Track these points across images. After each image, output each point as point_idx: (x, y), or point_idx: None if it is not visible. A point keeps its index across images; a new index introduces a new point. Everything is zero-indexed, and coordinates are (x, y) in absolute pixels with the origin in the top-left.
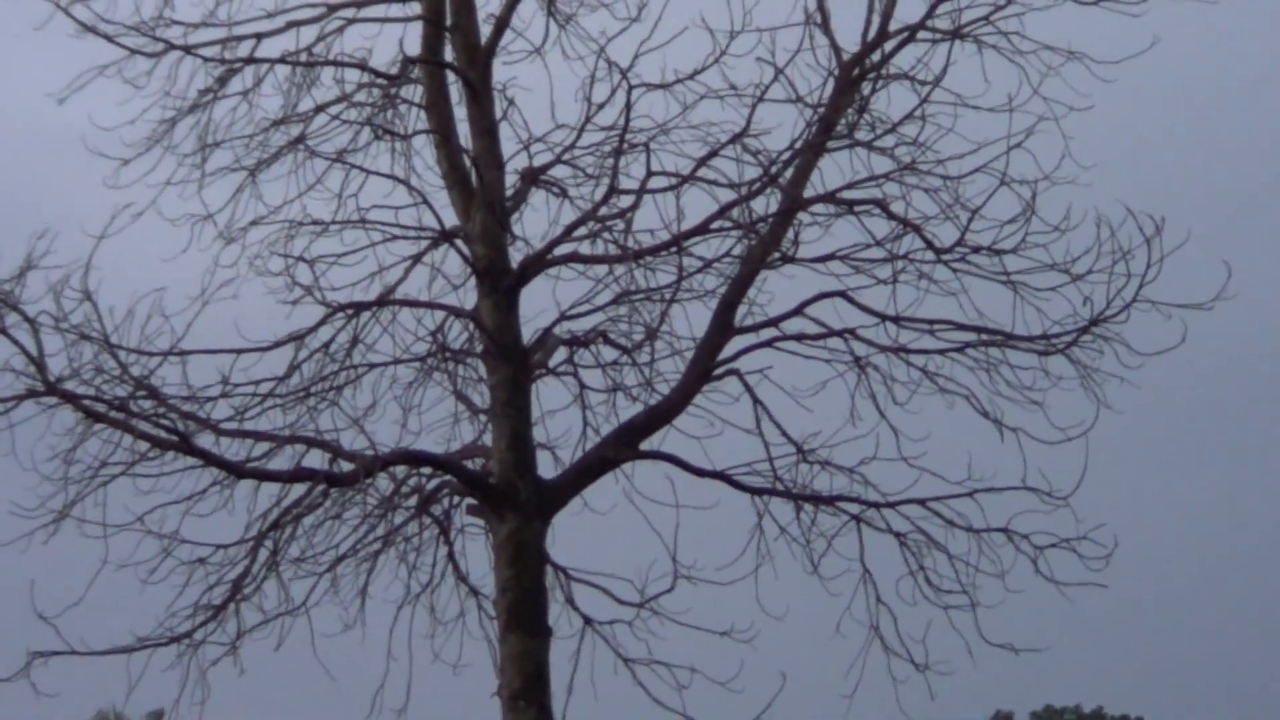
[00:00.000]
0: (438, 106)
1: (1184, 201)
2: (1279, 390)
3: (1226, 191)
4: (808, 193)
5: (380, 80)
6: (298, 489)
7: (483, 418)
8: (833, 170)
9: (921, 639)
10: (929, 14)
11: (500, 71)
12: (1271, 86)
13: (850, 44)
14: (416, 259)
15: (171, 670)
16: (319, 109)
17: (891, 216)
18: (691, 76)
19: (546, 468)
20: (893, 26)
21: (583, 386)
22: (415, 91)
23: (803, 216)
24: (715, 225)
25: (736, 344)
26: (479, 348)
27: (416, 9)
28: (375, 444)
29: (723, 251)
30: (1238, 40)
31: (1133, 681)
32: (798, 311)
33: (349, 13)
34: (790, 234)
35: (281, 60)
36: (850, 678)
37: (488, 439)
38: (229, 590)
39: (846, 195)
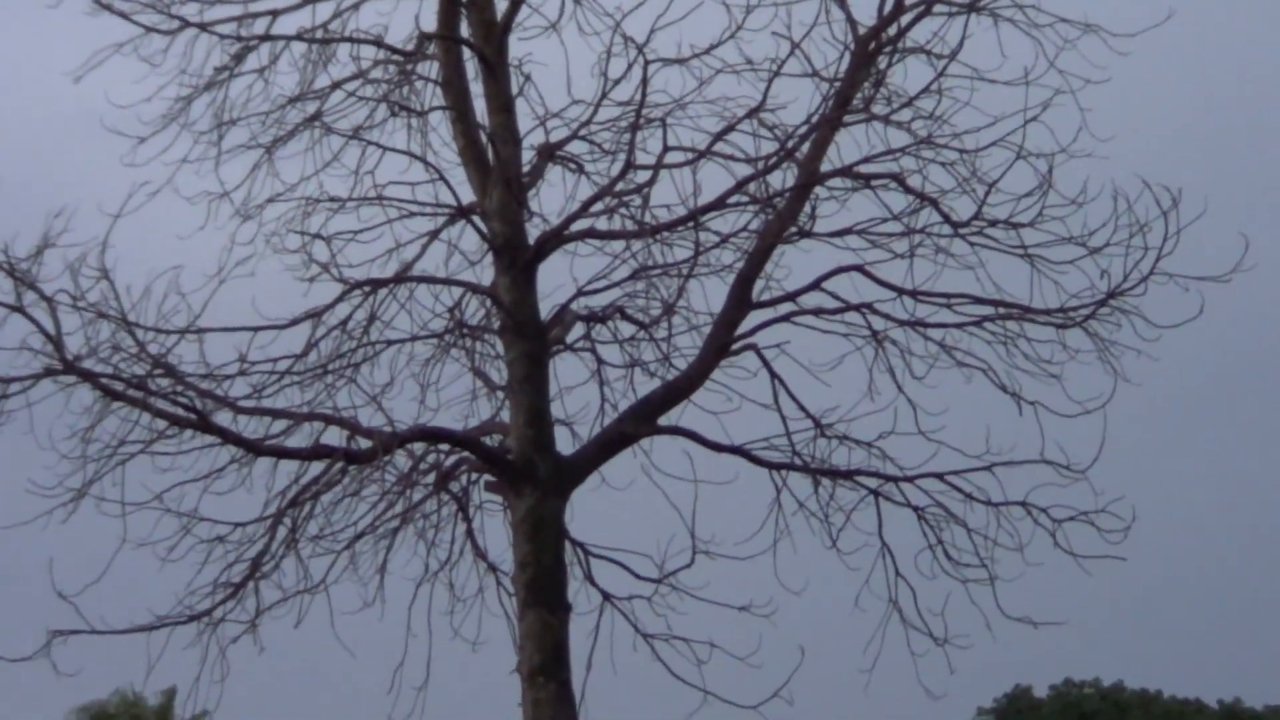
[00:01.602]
0: (454, 83)
1: (1201, 173)
2: None
3: (1244, 163)
4: (824, 167)
5: (396, 57)
6: (316, 466)
7: (500, 394)
8: (849, 144)
9: (940, 613)
10: None
11: (516, 47)
12: None
13: (866, 18)
14: (433, 235)
15: (191, 648)
16: (335, 86)
17: (908, 190)
18: (708, 51)
19: (565, 444)
20: (909, 0)
21: (600, 362)
22: (431, 68)
23: (819, 191)
24: (732, 200)
25: (754, 319)
26: (496, 324)
27: None
28: (393, 421)
29: (740, 226)
30: (1254, 11)
31: (1152, 655)
32: (815, 286)
33: None
34: (807, 208)
35: (297, 37)
36: (869, 652)
37: (506, 415)
38: (248, 568)
39: (863, 169)
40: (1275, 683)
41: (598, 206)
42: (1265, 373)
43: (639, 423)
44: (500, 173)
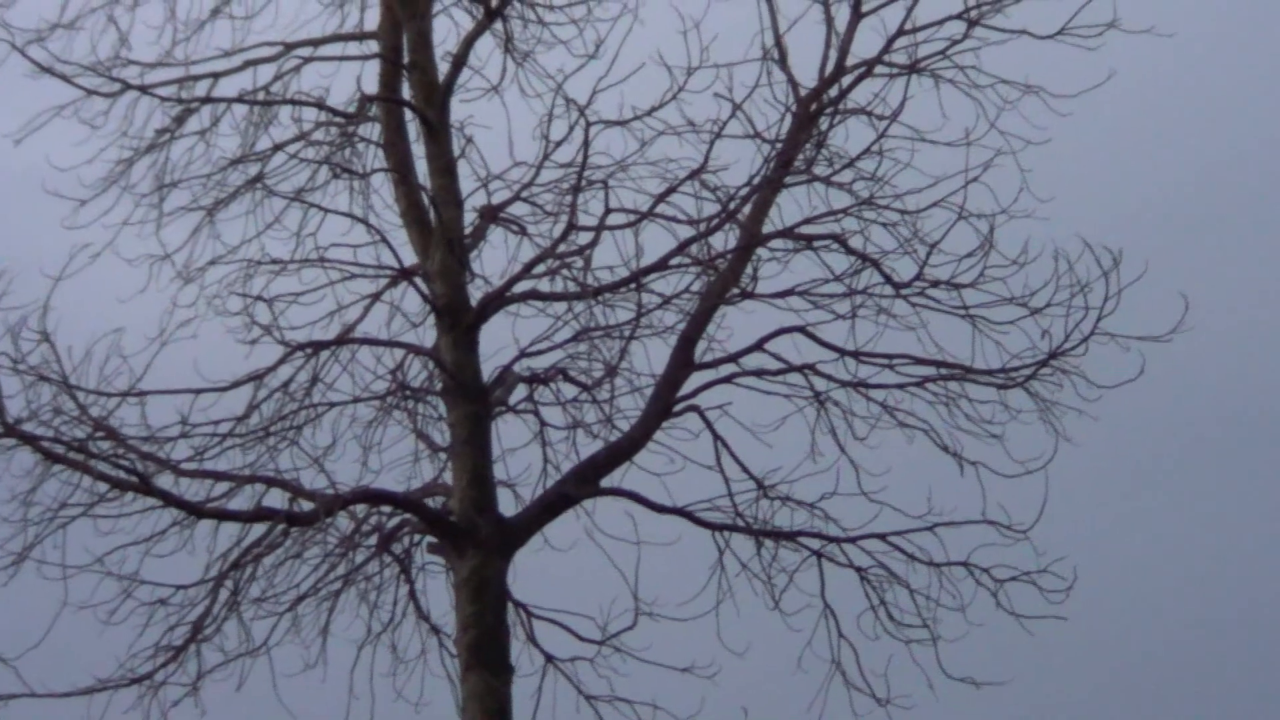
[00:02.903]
0: (396, 145)
1: (1141, 234)
2: (1237, 422)
3: (1184, 224)
4: (766, 228)
5: (338, 119)
6: (258, 529)
7: (443, 456)
8: (791, 206)
9: (883, 673)
10: (886, 49)
11: (458, 109)
12: (1227, 120)
13: (808, 79)
14: (375, 297)
15: (132, 712)
16: (277, 148)
17: (850, 251)
18: (649, 113)
19: (507, 505)
20: (850, 62)
21: (543, 424)
22: (373, 130)
23: (761, 252)
24: (674, 261)
25: (696, 380)
26: (438, 386)
27: (374, 47)
28: (335, 483)
29: (682, 288)
30: (1193, 73)
31: (1095, 714)
32: (757, 347)
33: (306, 51)
34: (749, 269)
35: (239, 99)
36: (812, 713)
37: (448, 477)
38: (189, 631)
39: (805, 230)
40: None
41: (540, 268)
42: (1206, 432)
43: (581, 484)
44: (442, 234)
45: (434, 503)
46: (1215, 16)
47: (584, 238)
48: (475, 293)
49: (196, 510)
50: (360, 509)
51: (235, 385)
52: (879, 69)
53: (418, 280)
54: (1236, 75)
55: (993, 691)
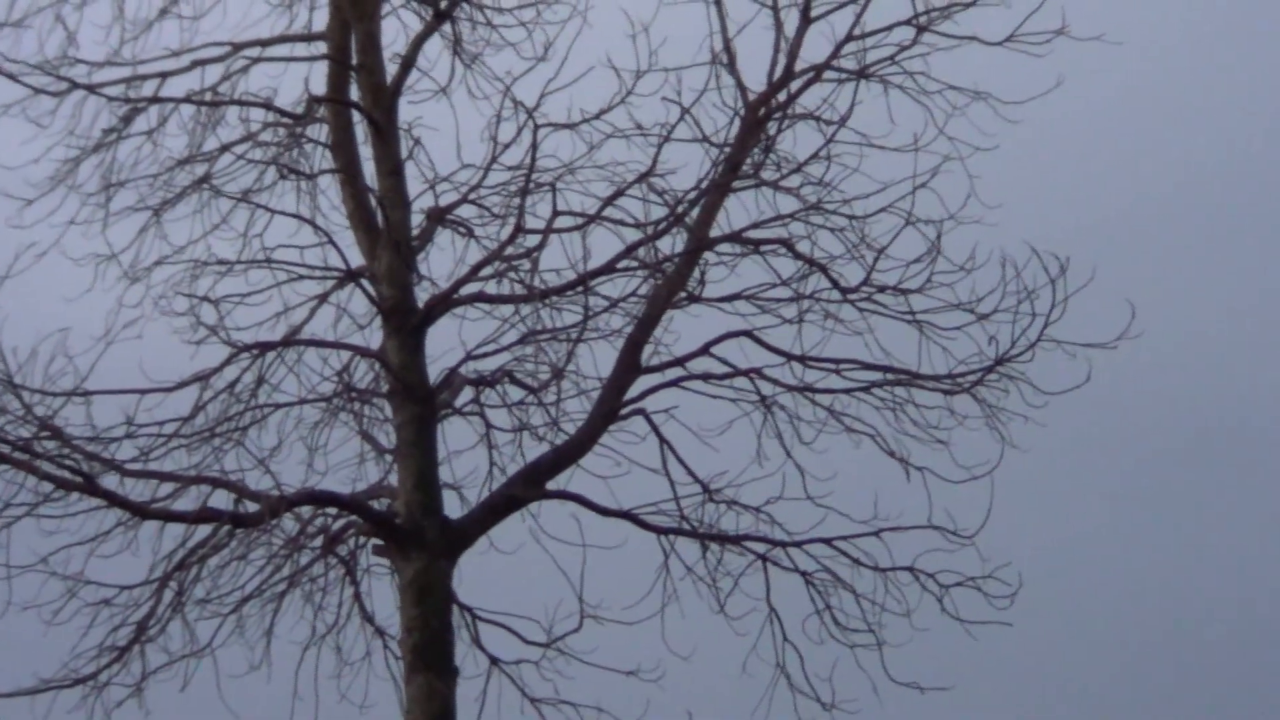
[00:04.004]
0: (343, 146)
1: (1089, 241)
2: (1183, 429)
3: (1131, 231)
4: (714, 232)
5: (286, 120)
6: (203, 530)
7: (389, 458)
8: (739, 210)
9: (828, 678)
10: (834, 54)
11: (406, 111)
12: (1175, 128)
13: (756, 84)
14: (322, 299)
15: (76, 712)
16: (224, 148)
17: (797, 256)
18: (598, 116)
19: (453, 507)
20: (798, 66)
21: (489, 426)
22: (321, 131)
23: (709, 256)
24: (621, 265)
25: (643, 384)
26: (385, 388)
27: (322, 48)
28: (281, 484)
29: (629, 291)
30: (1142, 81)
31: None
32: (704, 351)
33: (254, 52)
34: (696, 273)
35: (186, 99)
36: (757, 716)
37: (394, 479)
38: (134, 631)
39: (752, 235)
40: None
41: (487, 270)
42: (1151, 440)
43: (527, 487)
44: (389, 236)
45: (379, 505)
46: (1164, 25)
47: (531, 240)
48: (422, 295)
49: (141, 511)
50: (305, 510)
51: (181, 386)
52: (828, 74)
53: (364, 282)
54: (1185, 83)
55: (937, 696)
